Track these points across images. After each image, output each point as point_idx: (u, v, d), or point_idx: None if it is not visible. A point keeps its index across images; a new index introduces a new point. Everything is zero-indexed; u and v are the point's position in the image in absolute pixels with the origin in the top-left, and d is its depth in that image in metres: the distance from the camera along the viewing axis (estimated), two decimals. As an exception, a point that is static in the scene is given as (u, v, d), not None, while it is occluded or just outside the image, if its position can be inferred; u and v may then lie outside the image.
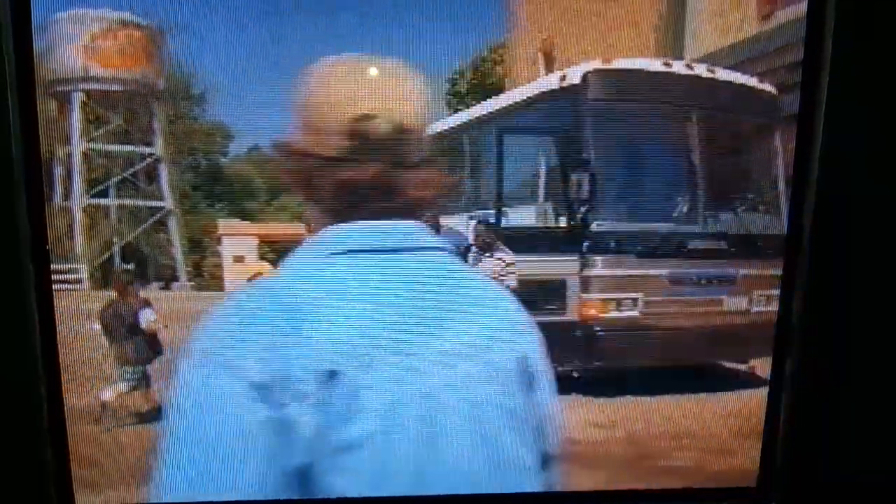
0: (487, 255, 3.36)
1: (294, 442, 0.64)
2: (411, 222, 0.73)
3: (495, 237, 3.40)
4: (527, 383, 0.75)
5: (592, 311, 3.35)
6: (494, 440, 0.71)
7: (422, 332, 0.70)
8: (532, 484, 0.75)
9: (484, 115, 3.94)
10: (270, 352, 0.65)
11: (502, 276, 3.30)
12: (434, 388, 0.68)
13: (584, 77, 3.42)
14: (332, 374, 0.65)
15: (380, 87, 0.73)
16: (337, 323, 0.67)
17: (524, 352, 0.75)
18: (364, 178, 0.71)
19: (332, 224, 0.72)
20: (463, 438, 0.69)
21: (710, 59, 4.12)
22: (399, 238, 0.72)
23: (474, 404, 0.70)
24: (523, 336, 0.77)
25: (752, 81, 3.67)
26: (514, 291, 3.30)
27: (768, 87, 3.66)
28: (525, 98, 3.72)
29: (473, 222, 3.55)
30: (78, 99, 4.52)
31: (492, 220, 3.51)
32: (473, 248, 3.43)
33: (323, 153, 0.72)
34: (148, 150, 4.99)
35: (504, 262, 3.33)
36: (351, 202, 0.72)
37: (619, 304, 3.37)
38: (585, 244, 3.39)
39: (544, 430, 0.78)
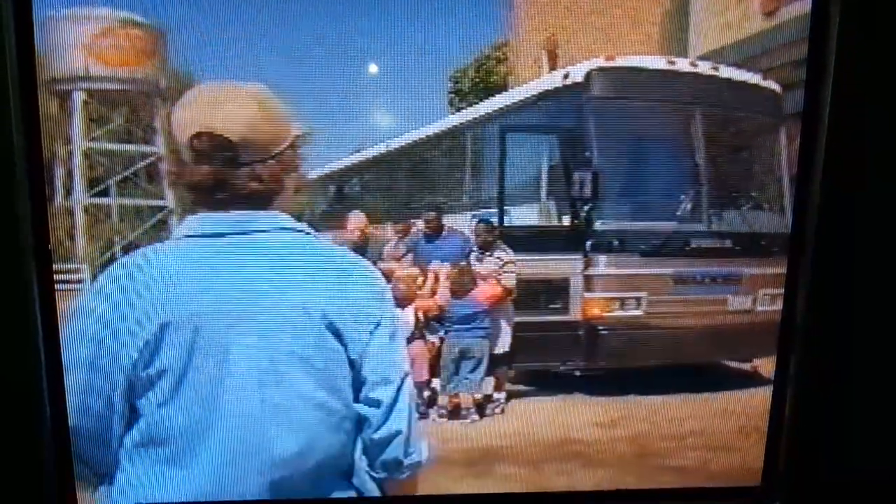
0: (487, 253, 3.36)
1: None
2: (256, 212, 0.97)
3: (494, 236, 3.39)
4: (328, 335, 0.94)
5: (596, 311, 3.35)
6: (284, 381, 0.93)
7: (243, 287, 0.93)
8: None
9: (486, 114, 3.93)
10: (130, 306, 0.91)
11: (498, 275, 3.29)
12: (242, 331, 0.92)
13: (588, 75, 3.41)
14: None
15: (222, 109, 0.95)
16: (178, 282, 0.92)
17: (329, 308, 0.94)
18: (204, 177, 0.94)
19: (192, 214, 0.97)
20: (254, 379, 0.92)
21: (714, 57, 4.10)
22: (242, 223, 0.96)
23: (269, 343, 0.92)
24: (333, 294, 0.95)
25: (756, 79, 3.65)
26: (513, 290, 3.31)
27: (772, 85, 3.65)
28: (528, 96, 3.71)
29: (474, 221, 3.54)
30: (79, 98, 4.52)
31: (490, 219, 3.50)
32: (474, 247, 3.42)
33: (183, 158, 0.96)
34: (150, 148, 4.98)
35: (502, 260, 3.32)
36: (204, 196, 0.96)
37: (622, 303, 3.36)
38: (588, 243, 3.38)
39: (335, 373, 0.96)
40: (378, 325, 0.97)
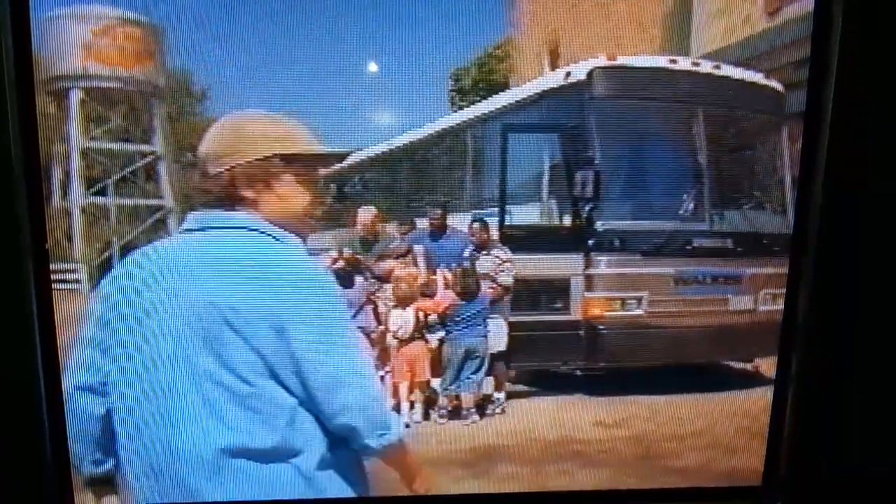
0: (485, 252, 3.35)
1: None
2: (214, 210, 1.13)
3: (490, 235, 3.39)
4: (225, 328, 1.05)
5: (597, 310, 3.34)
6: (197, 362, 1.06)
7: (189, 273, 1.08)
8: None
9: (487, 113, 3.92)
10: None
11: (496, 273, 3.29)
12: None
13: (590, 74, 3.40)
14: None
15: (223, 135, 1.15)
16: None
17: (229, 303, 1.05)
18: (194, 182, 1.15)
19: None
20: (181, 360, 1.06)
21: (717, 56, 4.09)
22: (204, 220, 1.13)
23: (190, 328, 1.06)
24: (243, 292, 1.06)
25: (758, 78, 3.64)
26: (511, 288, 3.30)
27: (774, 84, 3.64)
28: (529, 95, 3.70)
29: (472, 221, 3.54)
30: (77, 97, 4.51)
31: (486, 218, 3.49)
32: (472, 247, 3.41)
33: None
34: (148, 147, 4.98)
35: (500, 259, 3.31)
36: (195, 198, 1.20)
37: (623, 302, 3.36)
38: (590, 242, 3.38)
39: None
40: (291, 328, 1.06)
